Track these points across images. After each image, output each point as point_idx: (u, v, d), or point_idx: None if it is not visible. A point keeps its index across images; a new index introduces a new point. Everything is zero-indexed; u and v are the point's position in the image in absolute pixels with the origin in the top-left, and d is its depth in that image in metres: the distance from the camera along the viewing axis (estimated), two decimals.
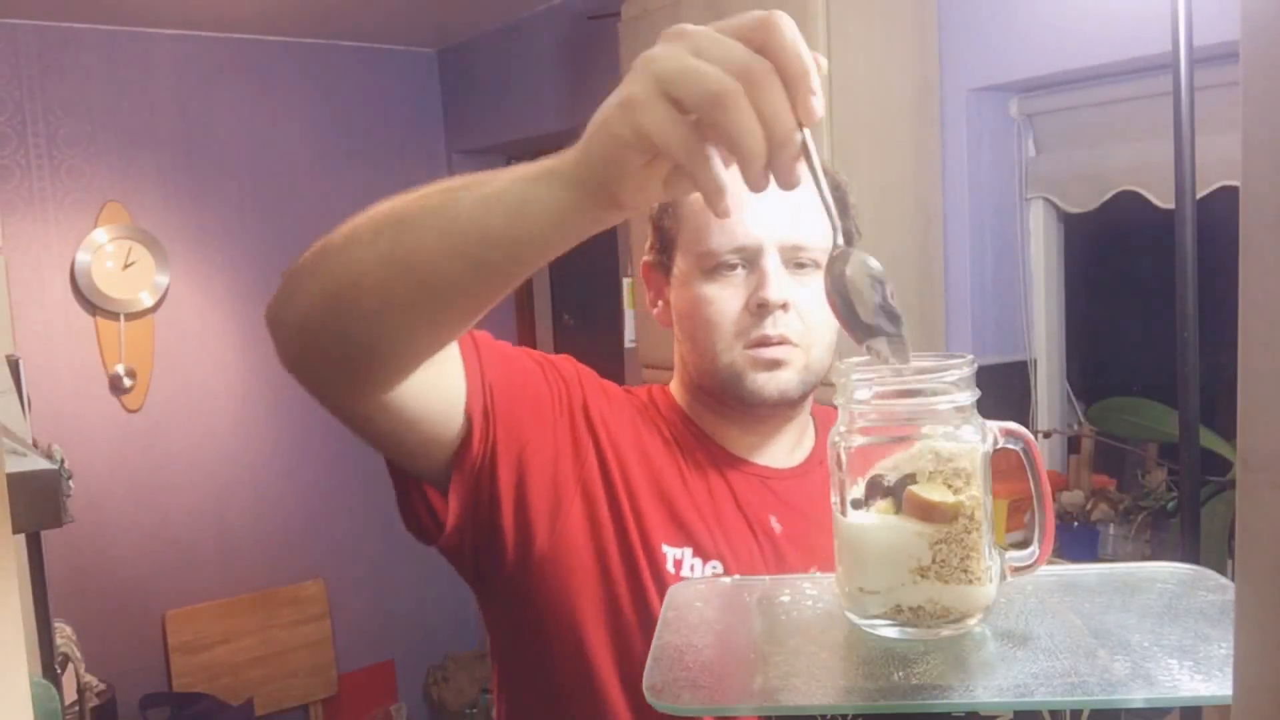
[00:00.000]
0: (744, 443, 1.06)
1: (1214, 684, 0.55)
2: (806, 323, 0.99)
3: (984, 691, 0.56)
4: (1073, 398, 2.31)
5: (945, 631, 0.63)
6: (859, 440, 0.66)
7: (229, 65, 3.58)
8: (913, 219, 2.19)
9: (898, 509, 0.64)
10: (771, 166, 0.60)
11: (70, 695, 1.98)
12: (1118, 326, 2.46)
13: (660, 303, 1.07)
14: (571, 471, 0.98)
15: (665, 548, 0.98)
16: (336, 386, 0.86)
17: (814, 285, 0.99)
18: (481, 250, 0.70)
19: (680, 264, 1.02)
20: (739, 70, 0.59)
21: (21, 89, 3.26)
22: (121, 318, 3.40)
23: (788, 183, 0.60)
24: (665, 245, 1.05)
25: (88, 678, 2.51)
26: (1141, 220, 2.03)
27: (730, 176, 0.92)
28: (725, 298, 0.98)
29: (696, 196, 0.93)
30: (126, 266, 3.40)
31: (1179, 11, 1.51)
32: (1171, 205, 1.57)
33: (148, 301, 3.43)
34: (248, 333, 3.65)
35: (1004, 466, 0.69)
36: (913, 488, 0.63)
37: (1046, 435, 2.24)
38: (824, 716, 0.57)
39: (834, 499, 0.67)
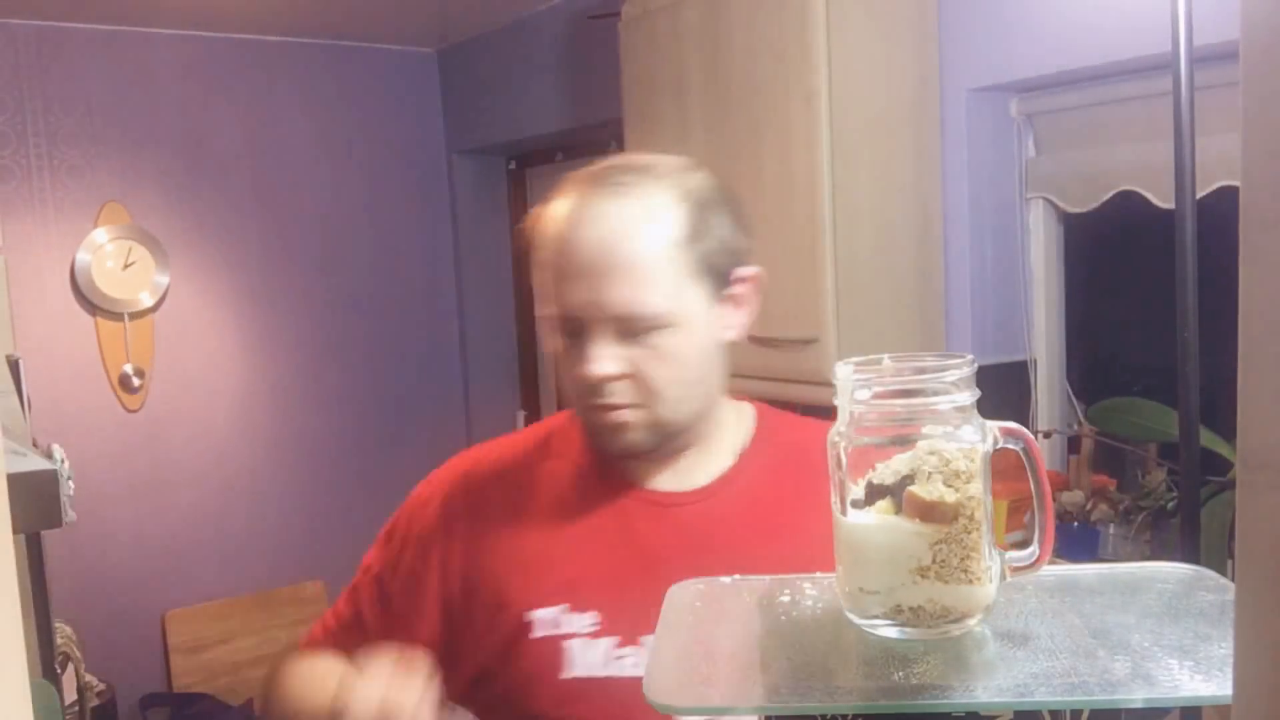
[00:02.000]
0: (641, 469, 1.06)
1: (1214, 684, 0.55)
2: (648, 385, 0.98)
3: (984, 691, 0.56)
4: (1073, 398, 2.31)
5: (945, 631, 0.63)
6: (859, 440, 0.66)
7: (229, 65, 3.58)
8: (913, 219, 2.19)
9: (898, 509, 0.64)
10: None
11: (70, 695, 1.98)
12: (1118, 326, 2.46)
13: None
14: (438, 601, 1.06)
15: (533, 614, 1.00)
16: None
17: (655, 342, 0.97)
18: None
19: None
20: None
21: (21, 89, 3.26)
22: (126, 317, 3.40)
23: None
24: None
25: (88, 678, 2.51)
26: (1141, 220, 2.03)
27: (564, 246, 0.98)
28: (570, 360, 1.00)
29: (539, 257, 1.00)
30: (126, 266, 3.40)
31: (1179, 11, 1.51)
32: (1171, 205, 1.57)
33: (148, 301, 3.43)
34: (248, 333, 3.65)
35: (1004, 466, 0.68)
36: (913, 488, 0.63)
37: (1046, 435, 2.24)
38: (824, 716, 0.57)
39: (834, 499, 0.67)
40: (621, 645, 0.99)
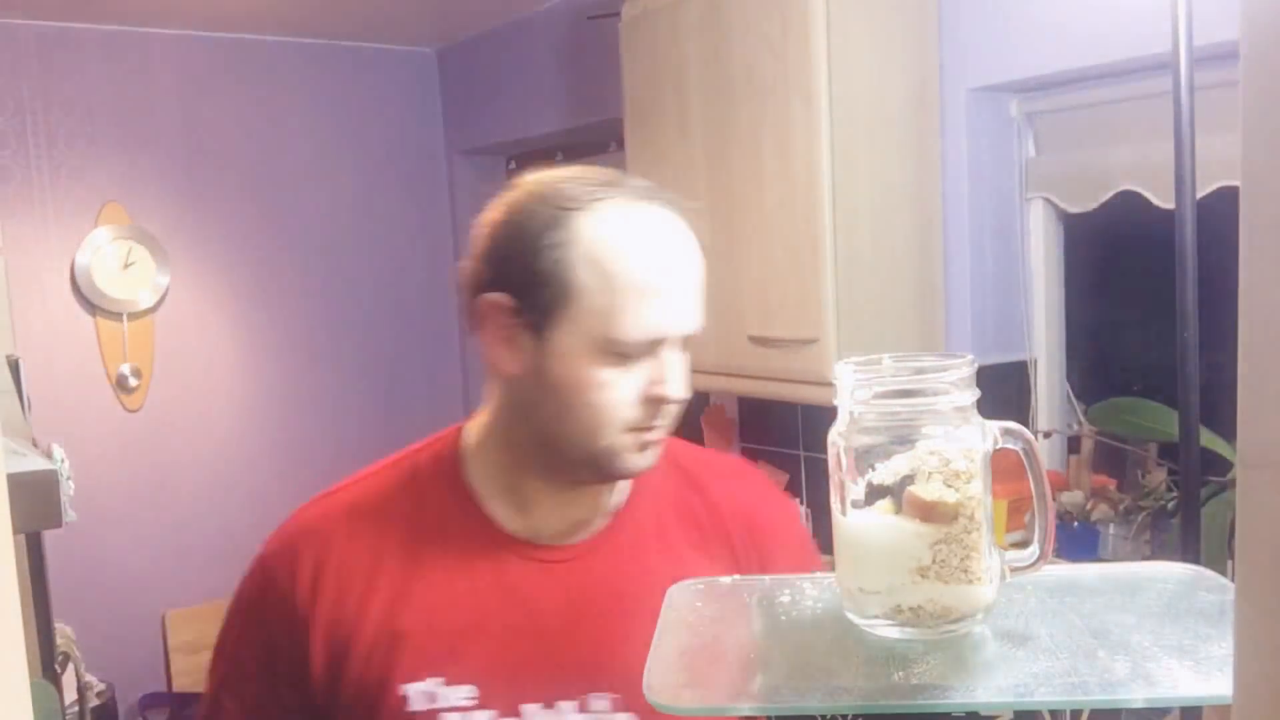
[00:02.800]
0: (544, 518, 1.00)
1: (1214, 684, 0.55)
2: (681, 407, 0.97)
3: (984, 691, 0.56)
4: (1073, 398, 2.31)
5: (945, 631, 0.63)
6: (859, 440, 0.66)
7: (229, 65, 3.58)
8: (913, 219, 2.19)
9: (898, 509, 0.64)
10: None
11: (70, 695, 1.98)
12: (1118, 326, 2.46)
13: (512, 353, 0.95)
14: (298, 679, 0.98)
15: (407, 688, 0.94)
16: None
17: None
18: None
19: (568, 335, 0.91)
20: None
21: (21, 89, 3.26)
22: (125, 317, 3.40)
23: None
24: (541, 304, 0.92)
25: (88, 678, 2.51)
26: (1141, 220, 2.03)
27: (641, 257, 0.91)
28: (623, 385, 0.91)
29: (602, 273, 0.89)
30: (126, 266, 3.39)
31: (1179, 11, 1.51)
32: (1171, 205, 1.57)
33: (148, 301, 3.43)
34: (248, 333, 3.65)
35: (1004, 466, 0.69)
36: (913, 488, 0.63)
37: (1046, 435, 2.24)
38: (824, 716, 0.57)
39: (834, 499, 0.67)
40: (500, 718, 0.94)
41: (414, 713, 0.93)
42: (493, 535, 0.99)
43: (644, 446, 0.95)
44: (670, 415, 0.95)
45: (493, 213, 0.97)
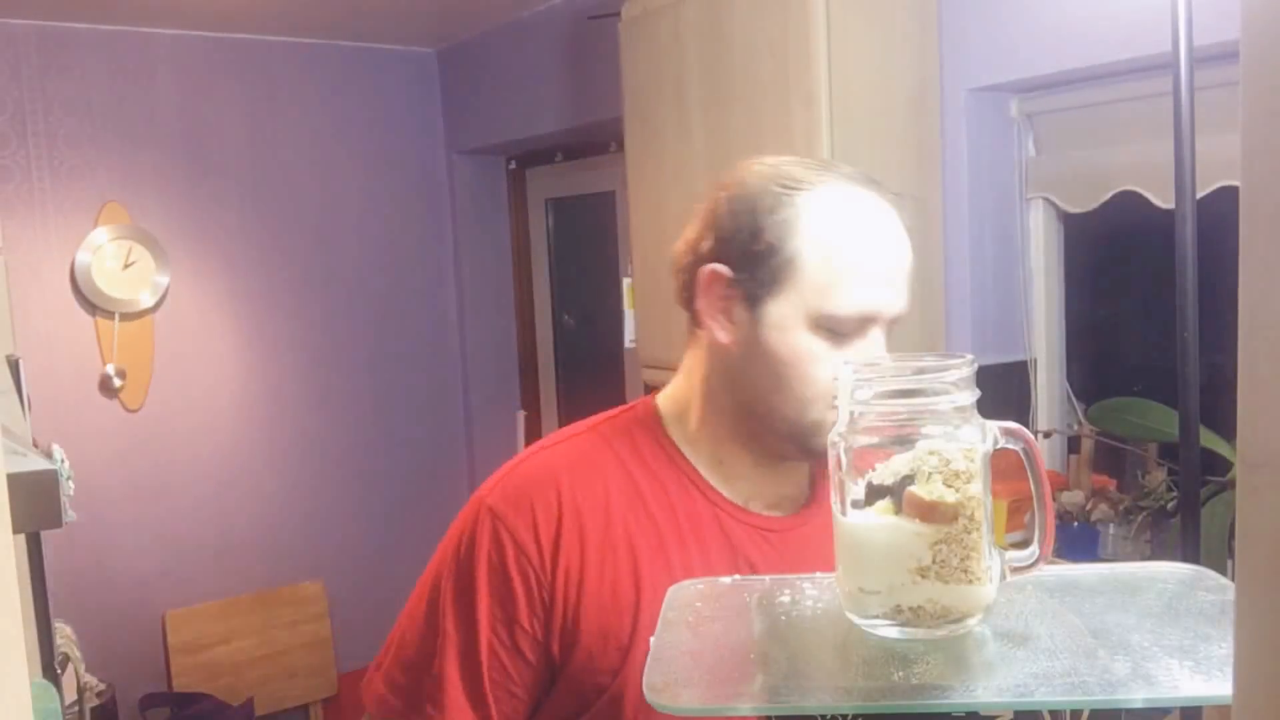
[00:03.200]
0: (752, 490, 1.03)
1: (1214, 684, 0.55)
2: None
3: (984, 691, 0.56)
4: (1073, 398, 2.31)
5: (945, 631, 0.63)
6: (859, 440, 0.66)
7: (229, 65, 3.58)
8: (913, 219, 2.19)
9: (898, 509, 0.64)
10: None
11: (70, 695, 1.98)
12: (1118, 326, 2.46)
13: (727, 323, 0.99)
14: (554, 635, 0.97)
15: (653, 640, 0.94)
16: None
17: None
18: None
19: (784, 307, 0.95)
20: None
21: (21, 89, 3.26)
22: (116, 317, 3.40)
23: None
24: (762, 277, 0.96)
25: (88, 678, 2.51)
26: (1141, 220, 2.03)
27: (860, 238, 0.95)
28: (833, 360, 0.93)
29: (823, 251, 0.94)
30: (126, 266, 3.39)
31: (1179, 11, 1.51)
32: (1171, 205, 1.57)
33: (148, 301, 3.43)
34: (248, 333, 3.65)
35: (1004, 466, 0.69)
36: (913, 488, 0.63)
37: (1046, 435, 2.24)
38: (824, 716, 0.57)
39: (834, 499, 0.67)
40: None
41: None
42: (713, 498, 1.01)
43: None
44: None
45: (717, 191, 1.01)
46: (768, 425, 0.99)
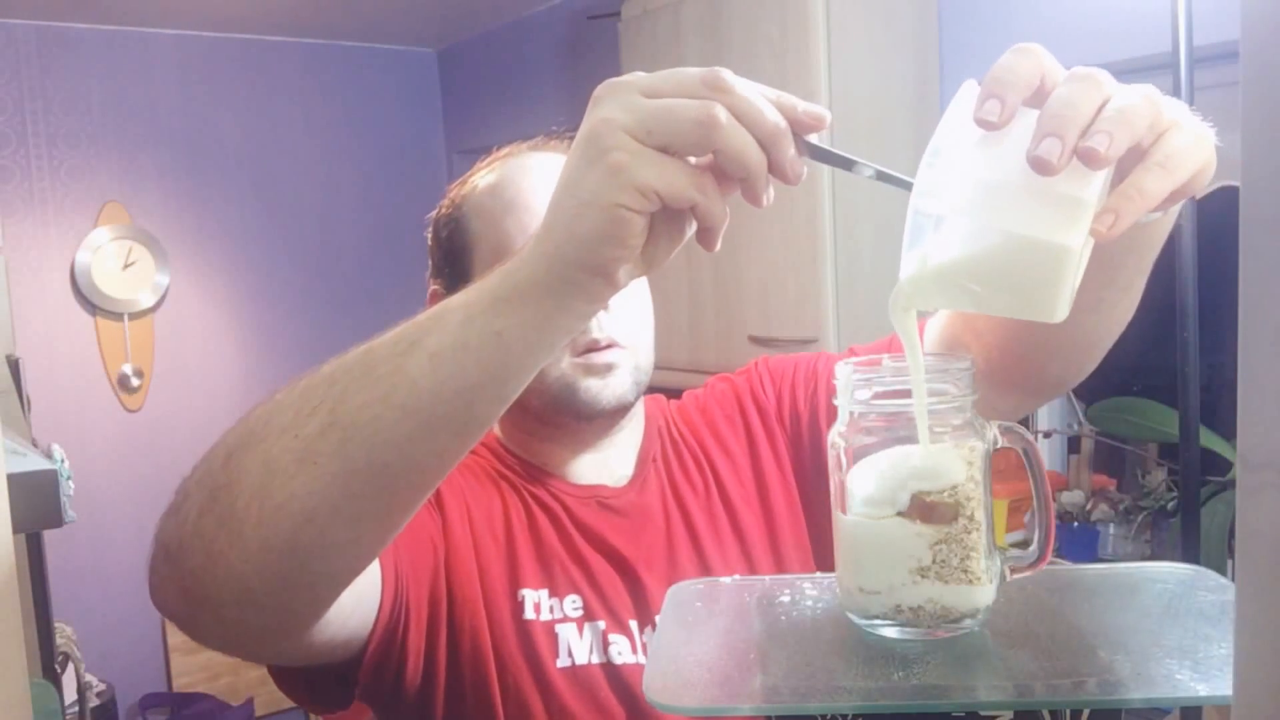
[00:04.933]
0: (574, 464, 1.00)
1: (1214, 684, 0.55)
2: (629, 322, 0.96)
3: (984, 691, 0.56)
4: (1073, 398, 2.31)
5: (945, 632, 0.63)
6: (859, 440, 0.66)
7: (229, 65, 3.59)
8: None
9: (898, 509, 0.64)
10: (774, 171, 0.58)
11: (70, 695, 1.99)
12: None
13: None
14: (441, 573, 0.92)
15: (522, 592, 0.92)
16: (272, 631, 0.69)
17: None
18: (466, 413, 0.61)
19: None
20: (703, 90, 0.55)
21: (21, 89, 3.26)
22: (126, 317, 3.40)
23: (796, 177, 0.58)
24: (457, 267, 0.98)
25: (88, 678, 2.51)
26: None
27: (513, 186, 0.98)
28: None
29: (487, 199, 0.98)
30: (126, 266, 3.40)
31: (1179, 11, 1.51)
32: None
33: (148, 301, 3.43)
34: (248, 333, 3.65)
35: (1004, 466, 0.68)
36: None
37: (1046, 435, 2.24)
38: (824, 716, 0.57)
39: (834, 499, 0.67)
40: (609, 632, 0.93)
41: (530, 620, 0.92)
42: (548, 481, 0.99)
43: (596, 371, 0.94)
44: (609, 329, 0.94)
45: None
46: (531, 405, 0.95)
